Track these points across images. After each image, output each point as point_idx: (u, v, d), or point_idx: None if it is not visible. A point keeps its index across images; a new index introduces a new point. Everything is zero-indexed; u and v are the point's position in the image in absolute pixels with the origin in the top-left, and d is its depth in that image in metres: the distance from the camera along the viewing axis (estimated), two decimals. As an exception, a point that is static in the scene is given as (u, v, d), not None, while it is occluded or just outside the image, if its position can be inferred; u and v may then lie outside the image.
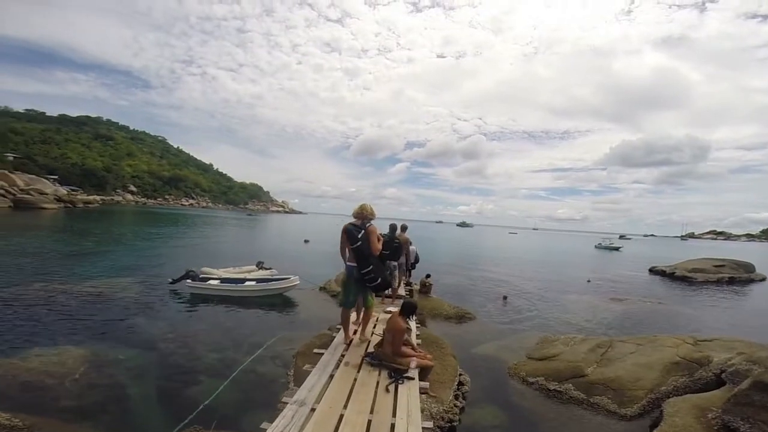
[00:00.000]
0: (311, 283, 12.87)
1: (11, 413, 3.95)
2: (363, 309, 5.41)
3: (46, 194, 56.55)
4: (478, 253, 38.02)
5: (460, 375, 5.56)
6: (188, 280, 10.72)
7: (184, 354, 6.39)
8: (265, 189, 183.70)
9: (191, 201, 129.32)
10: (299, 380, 4.44)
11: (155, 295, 10.32)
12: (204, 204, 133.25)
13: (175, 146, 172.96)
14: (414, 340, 5.30)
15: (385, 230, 8.04)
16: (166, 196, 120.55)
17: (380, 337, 4.89)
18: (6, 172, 55.67)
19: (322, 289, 12.45)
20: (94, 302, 9.12)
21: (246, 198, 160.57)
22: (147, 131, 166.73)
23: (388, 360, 4.40)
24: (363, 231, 4.65)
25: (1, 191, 48.95)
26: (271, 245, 29.61)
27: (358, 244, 4.59)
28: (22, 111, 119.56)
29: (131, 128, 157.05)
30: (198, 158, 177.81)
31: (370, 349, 4.85)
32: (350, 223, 4.75)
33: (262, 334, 7.56)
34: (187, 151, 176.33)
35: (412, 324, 5.85)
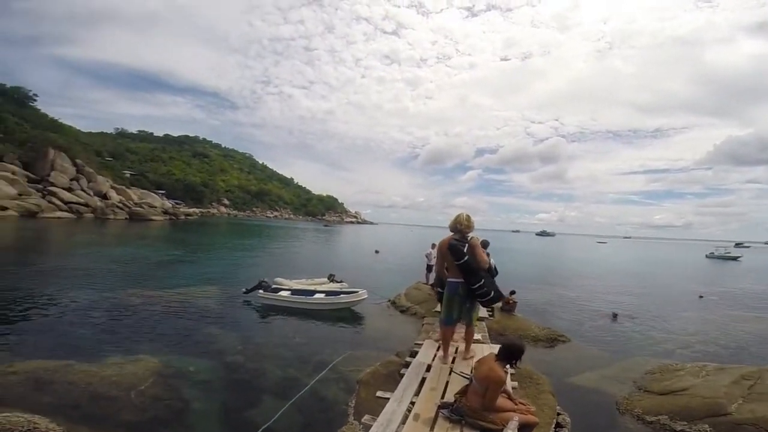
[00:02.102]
0: (380, 296, 12.48)
1: (69, 425, 3.98)
2: (465, 326, 4.97)
3: (155, 207, 64.83)
4: (563, 265, 34.88)
5: (559, 414, 4.60)
6: (260, 291, 10.95)
7: (250, 369, 6.28)
8: (340, 200, 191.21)
9: (275, 213, 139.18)
10: (359, 413, 4.01)
11: (230, 305, 10.68)
12: (286, 216, 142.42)
13: (260, 162, 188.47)
14: (510, 385, 4.26)
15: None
16: (254, 209, 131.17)
17: (465, 378, 3.86)
18: (124, 187, 65.04)
19: (391, 303, 11.98)
20: (176, 310, 9.65)
21: (323, 209, 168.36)
22: (236, 149, 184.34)
23: (475, 416, 3.40)
24: (467, 245, 4.38)
25: (120, 204, 57.25)
26: (343, 256, 30.16)
27: (465, 259, 4.32)
28: (135, 132, 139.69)
29: (223, 146, 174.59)
30: (280, 173, 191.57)
31: (447, 394, 3.99)
32: (451, 238, 4.46)
33: (328, 352, 7.24)
34: (270, 167, 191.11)
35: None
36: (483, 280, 4.42)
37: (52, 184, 49.75)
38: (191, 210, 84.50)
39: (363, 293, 11.05)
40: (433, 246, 13.35)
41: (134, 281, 12.70)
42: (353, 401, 4.55)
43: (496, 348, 5.41)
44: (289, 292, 11.15)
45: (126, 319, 8.51)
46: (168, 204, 74.70)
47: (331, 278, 13.69)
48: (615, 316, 12.12)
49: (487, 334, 6.60)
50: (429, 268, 12.82)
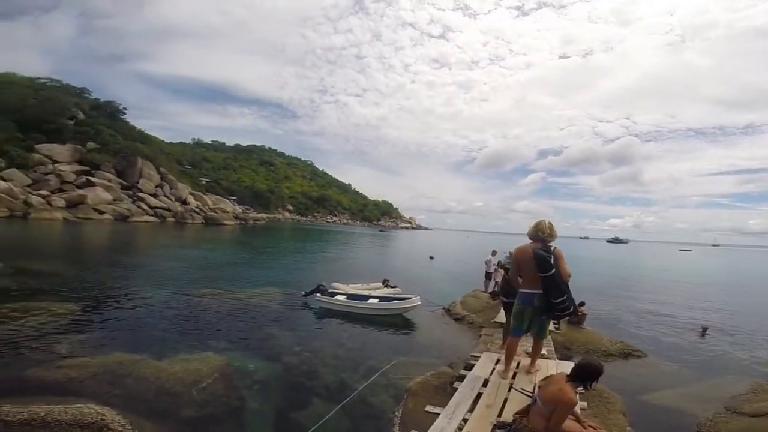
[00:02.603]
0: (434, 303, 12.24)
1: (133, 417, 4.23)
2: (534, 340, 4.79)
3: (227, 212, 70.08)
4: (639, 274, 31.76)
5: (630, 436, 4.14)
6: (318, 294, 11.21)
7: (304, 371, 6.42)
8: (395, 206, 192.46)
9: (334, 218, 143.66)
10: (405, 424, 3.88)
11: (290, 307, 11.05)
12: (344, 220, 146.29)
13: (321, 169, 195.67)
14: (579, 405, 3.82)
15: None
16: (315, 214, 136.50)
17: (527, 396, 3.57)
18: (200, 193, 71.14)
19: (446, 311, 11.70)
20: (241, 309, 10.19)
21: (378, 214, 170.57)
22: (299, 156, 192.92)
23: (537, 439, 3.07)
24: (552, 256, 4.18)
25: (197, 209, 62.68)
26: (397, 261, 30.20)
27: (553, 272, 4.11)
28: (210, 142, 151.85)
29: (287, 154, 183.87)
30: (339, 179, 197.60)
31: (505, 413, 3.69)
32: (538, 248, 4.22)
33: (379, 358, 7.18)
34: (330, 173, 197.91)
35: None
36: (566, 295, 4.22)
37: (141, 191, 55.89)
38: (259, 215, 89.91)
39: (416, 300, 10.91)
40: (494, 253, 12.83)
41: (206, 281, 13.65)
42: (400, 411, 4.45)
43: (563, 365, 5.02)
44: (344, 297, 11.30)
45: (196, 317, 9.13)
46: (238, 209, 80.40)
47: (386, 283, 13.73)
48: (704, 330, 10.68)
49: (552, 349, 6.15)
50: (488, 276, 12.32)
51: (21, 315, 7.72)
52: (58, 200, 43.98)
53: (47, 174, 46.95)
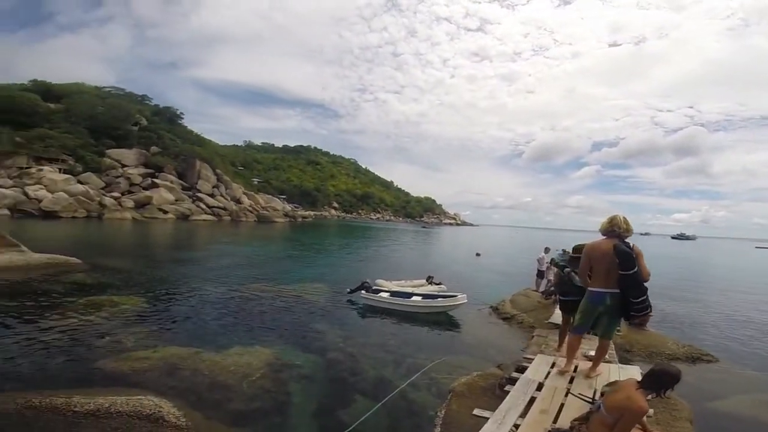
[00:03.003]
0: (481, 302, 11.92)
1: (187, 409, 4.44)
2: (600, 340, 4.51)
3: (278, 210, 73.16)
4: (709, 273, 29.10)
5: (697, 445, 3.75)
6: (363, 291, 11.30)
7: (348, 367, 6.49)
8: (438, 202, 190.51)
9: (378, 215, 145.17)
10: (447, 425, 3.73)
11: (336, 303, 11.25)
12: (387, 217, 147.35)
13: (364, 167, 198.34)
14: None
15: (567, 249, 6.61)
16: (359, 211, 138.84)
17: (587, 402, 3.38)
18: (253, 193, 74.71)
19: (494, 309, 11.36)
20: (290, 304, 10.52)
21: (421, 211, 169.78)
22: (342, 155, 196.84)
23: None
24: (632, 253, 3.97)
25: (250, 208, 65.91)
26: (442, 258, 29.78)
27: (636, 269, 3.92)
28: (259, 144, 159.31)
29: (331, 153, 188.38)
30: (381, 176, 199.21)
31: (561, 419, 3.46)
32: (620, 243, 4.01)
33: (422, 356, 7.10)
34: (372, 171, 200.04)
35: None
36: (646, 294, 4.01)
37: (200, 191, 59.75)
38: (307, 213, 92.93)
39: (462, 298, 10.68)
40: (547, 250, 12.26)
41: (258, 277, 14.28)
42: (443, 412, 4.32)
43: (627, 369, 4.66)
44: (388, 294, 11.32)
45: (249, 311, 9.54)
46: (288, 207, 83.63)
47: (430, 280, 13.58)
48: None
49: (613, 352, 5.73)
50: (540, 274, 11.80)
51: (95, 308, 8.44)
52: (128, 201, 48.20)
53: (117, 177, 51.65)
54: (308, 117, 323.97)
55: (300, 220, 76.29)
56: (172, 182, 56.59)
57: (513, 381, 4.45)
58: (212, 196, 61.59)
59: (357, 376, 6.16)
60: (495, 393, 4.50)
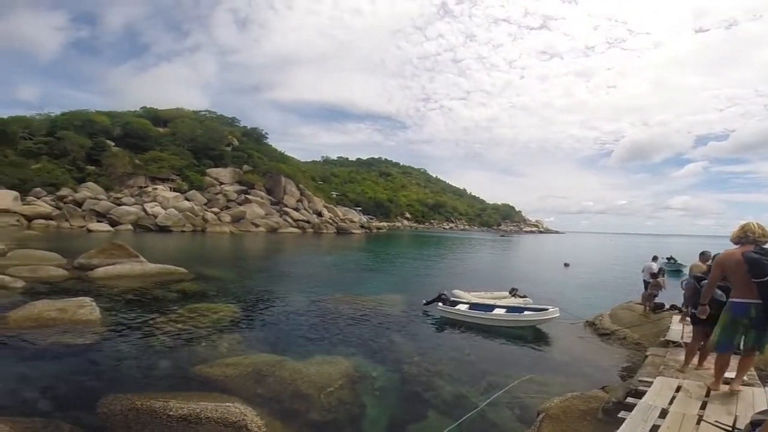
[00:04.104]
0: (573, 315, 10.87)
1: (269, 418, 4.55)
2: (744, 355, 4.09)
3: (355, 222, 75.77)
4: None
5: None
6: (439, 303, 10.99)
7: (422, 381, 6.28)
8: (517, 209, 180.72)
9: (451, 224, 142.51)
10: None
11: (412, 315, 11.10)
12: (461, 226, 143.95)
13: (434, 176, 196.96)
14: None
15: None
16: (431, 221, 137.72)
17: (725, 430, 2.88)
18: (332, 206, 78.39)
19: (589, 324, 10.27)
20: (367, 315, 10.63)
21: (499, 219, 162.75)
22: (412, 165, 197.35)
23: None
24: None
25: (330, 221, 69.17)
26: (525, 268, 28.00)
27: None
28: (335, 158, 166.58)
29: (401, 164, 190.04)
30: (453, 185, 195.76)
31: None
32: (750, 251, 3.75)
33: (505, 373, 6.62)
34: (443, 179, 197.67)
35: None
36: None
37: (286, 206, 64.36)
38: (381, 224, 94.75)
39: (554, 311, 9.83)
40: (655, 258, 11.01)
41: (338, 286, 14.76)
42: (531, 437, 3.91)
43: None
44: (467, 306, 10.88)
45: (330, 321, 9.83)
46: (363, 219, 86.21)
47: (513, 293, 12.76)
48: None
49: (755, 374, 4.75)
50: (646, 286, 10.47)
51: (197, 315, 9.34)
52: (226, 216, 53.66)
53: (217, 194, 57.92)
54: (377, 129, 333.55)
55: (375, 231, 77.92)
56: (262, 198, 61.87)
57: (627, 407, 3.87)
58: (296, 210, 65.90)
59: (432, 392, 5.92)
60: (597, 417, 4.04)
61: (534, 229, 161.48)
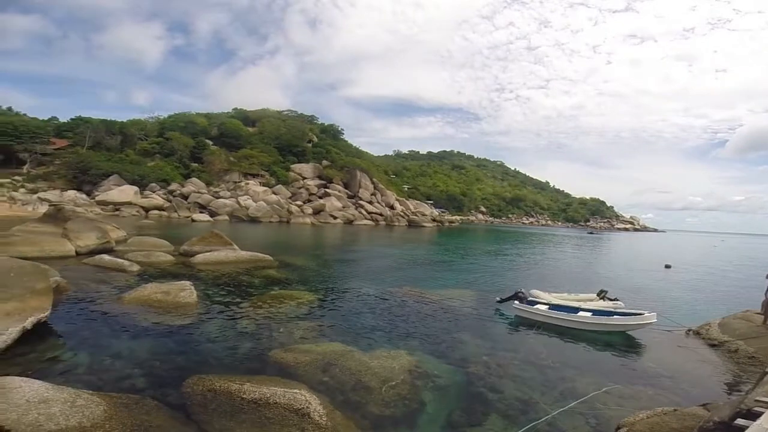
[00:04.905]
0: (673, 322, 9.68)
1: (330, 408, 4.71)
2: None
3: (426, 215, 75.52)
4: None
5: None
6: (516, 302, 10.54)
7: (488, 383, 6.07)
8: (608, 204, 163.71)
9: (531, 219, 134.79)
10: None
11: (483, 312, 10.77)
12: (543, 222, 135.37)
13: (512, 168, 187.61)
14: None
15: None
16: (509, 215, 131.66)
17: None
18: (404, 199, 79.00)
19: (693, 333, 9.08)
20: (436, 310, 10.56)
21: (586, 214, 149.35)
22: (487, 157, 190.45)
23: None
24: None
25: (402, 213, 69.87)
26: (617, 270, 25.42)
27: None
28: (407, 152, 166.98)
29: (475, 156, 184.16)
30: (534, 177, 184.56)
31: None
32: None
33: (585, 381, 6.13)
34: (523, 172, 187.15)
35: None
36: None
37: (361, 199, 66.47)
38: (453, 217, 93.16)
39: (649, 316, 8.87)
40: None
41: (408, 279, 14.91)
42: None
43: None
44: (546, 307, 10.27)
45: (398, 314, 9.97)
46: (435, 212, 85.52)
47: (602, 295, 11.70)
48: None
49: None
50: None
51: (279, 300, 10.11)
52: (308, 208, 57.24)
53: (300, 188, 61.92)
54: (448, 122, 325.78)
55: (447, 224, 76.91)
56: (339, 191, 64.76)
57: (733, 429, 3.36)
58: (371, 203, 67.71)
59: (497, 394, 5.70)
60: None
61: (628, 226, 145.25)
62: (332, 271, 16.09)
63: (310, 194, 61.93)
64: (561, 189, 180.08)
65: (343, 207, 61.74)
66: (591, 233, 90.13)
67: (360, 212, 63.04)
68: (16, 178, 43.96)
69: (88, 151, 50.50)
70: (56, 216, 16.40)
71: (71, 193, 42.50)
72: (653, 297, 14.33)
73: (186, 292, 9.35)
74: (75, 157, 48.36)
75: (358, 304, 10.80)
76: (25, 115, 64.46)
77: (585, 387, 5.86)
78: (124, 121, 62.76)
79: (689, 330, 9.44)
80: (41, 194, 40.15)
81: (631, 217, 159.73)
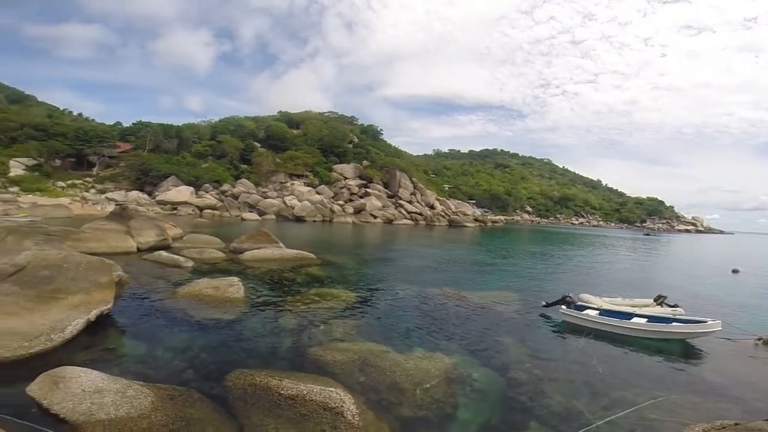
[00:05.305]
0: (741, 330, 8.86)
1: (364, 408, 4.70)
2: None
3: (468, 215, 74.05)
4: None
5: None
6: (563, 306, 10.07)
7: (529, 389, 5.84)
8: (667, 204, 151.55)
9: (581, 220, 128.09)
10: None
11: (526, 316, 10.40)
12: (595, 222, 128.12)
13: (560, 166, 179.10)
14: None
15: None
16: (557, 215, 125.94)
17: None
18: (444, 199, 78.01)
19: (763, 342, 8.26)
20: (475, 312, 10.33)
21: (643, 215, 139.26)
22: (533, 155, 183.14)
23: None
24: None
25: (442, 213, 69.04)
26: (677, 274, 23.51)
27: None
28: (447, 151, 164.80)
29: (520, 154, 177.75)
30: (584, 175, 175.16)
31: None
32: None
33: (636, 390, 5.76)
34: (572, 170, 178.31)
35: None
36: None
37: (400, 198, 66.51)
38: (497, 217, 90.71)
39: (713, 324, 8.21)
40: None
41: (447, 280, 14.71)
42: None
43: None
44: (596, 312, 9.74)
45: (435, 315, 9.85)
46: (477, 212, 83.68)
47: (660, 301, 10.89)
48: None
49: None
50: None
51: (320, 298, 10.33)
52: (349, 208, 58.20)
53: (341, 188, 63.09)
54: (490, 120, 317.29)
55: (490, 224, 74.99)
56: (379, 191, 65.21)
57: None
58: (410, 202, 67.52)
59: (539, 402, 5.46)
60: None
61: (690, 227, 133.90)
62: (372, 271, 16.22)
63: (351, 194, 62.88)
64: (614, 188, 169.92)
65: (383, 206, 62.05)
66: (648, 235, 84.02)
67: (400, 212, 63.06)
68: (87, 179, 48.43)
69: (148, 154, 54.56)
70: (121, 215, 17.85)
71: (134, 194, 46.12)
72: (718, 303, 13.20)
73: (234, 287, 9.84)
74: (137, 159, 52.41)
75: (397, 304, 10.80)
76: (93, 120, 71.26)
77: (635, 396, 5.52)
78: (180, 125, 67.25)
79: (759, 339, 8.65)
80: (108, 194, 43.94)
81: (693, 218, 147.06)
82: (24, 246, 10.26)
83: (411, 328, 8.60)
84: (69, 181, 45.84)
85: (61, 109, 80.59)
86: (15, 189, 39.04)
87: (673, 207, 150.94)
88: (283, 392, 4.62)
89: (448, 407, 5.17)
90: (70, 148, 49.48)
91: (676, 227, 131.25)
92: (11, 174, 42.18)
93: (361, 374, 5.77)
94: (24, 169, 44.40)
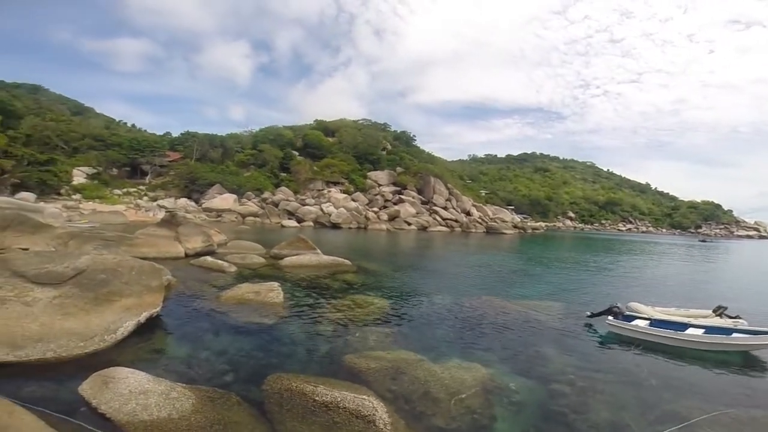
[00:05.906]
0: None
1: (396, 417, 4.63)
2: None
3: (506, 222, 72.12)
4: None
5: None
6: (610, 317, 9.57)
7: (572, 402, 5.56)
8: (725, 207, 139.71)
9: (629, 225, 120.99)
10: None
11: (570, 326, 9.97)
12: (644, 228, 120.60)
13: (605, 169, 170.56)
14: None
15: None
16: (602, 221, 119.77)
17: None
18: (481, 205, 76.46)
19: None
20: (516, 321, 10.03)
21: (697, 220, 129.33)
22: (575, 158, 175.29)
23: None
24: None
25: (479, 220, 67.67)
26: (738, 283, 21.57)
27: None
28: (483, 156, 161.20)
29: (561, 158, 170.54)
30: (631, 179, 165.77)
31: None
32: None
33: (690, 403, 5.38)
34: (617, 173, 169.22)
35: None
36: None
37: (435, 205, 65.97)
38: (537, 224, 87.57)
39: None
40: None
41: (485, 288, 14.40)
42: None
43: None
44: (646, 323, 9.17)
45: (473, 324, 9.66)
46: (516, 218, 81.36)
47: (719, 311, 10.03)
48: None
49: None
50: None
51: (356, 305, 10.38)
52: (383, 215, 58.45)
53: (376, 195, 63.52)
54: (528, 123, 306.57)
55: (530, 231, 72.50)
56: (413, 198, 65.02)
57: None
58: (445, 209, 66.76)
59: (582, 415, 5.20)
60: None
61: (752, 233, 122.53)
62: (407, 278, 16.16)
63: (386, 201, 63.13)
64: (665, 191, 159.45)
65: (417, 213, 61.75)
66: (704, 241, 77.86)
67: (434, 218, 62.48)
68: (141, 187, 52.02)
69: (195, 163, 57.78)
70: (170, 221, 18.97)
71: (183, 201, 48.91)
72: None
73: (274, 292, 10.16)
74: (185, 168, 55.66)
75: (432, 311, 10.68)
76: (145, 131, 76.45)
77: (689, 411, 5.17)
78: (224, 134, 71.15)
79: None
80: (160, 202, 46.87)
81: (756, 223, 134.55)
82: (84, 250, 11.16)
83: (446, 337, 8.47)
84: (124, 189, 49.43)
85: (117, 120, 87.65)
86: (77, 196, 42.50)
87: (731, 211, 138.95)
88: (317, 398, 4.67)
89: (484, 419, 5.04)
90: (126, 158, 53.57)
91: (735, 233, 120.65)
92: (74, 182, 45.93)
93: (394, 383, 5.73)
94: (85, 178, 48.30)
